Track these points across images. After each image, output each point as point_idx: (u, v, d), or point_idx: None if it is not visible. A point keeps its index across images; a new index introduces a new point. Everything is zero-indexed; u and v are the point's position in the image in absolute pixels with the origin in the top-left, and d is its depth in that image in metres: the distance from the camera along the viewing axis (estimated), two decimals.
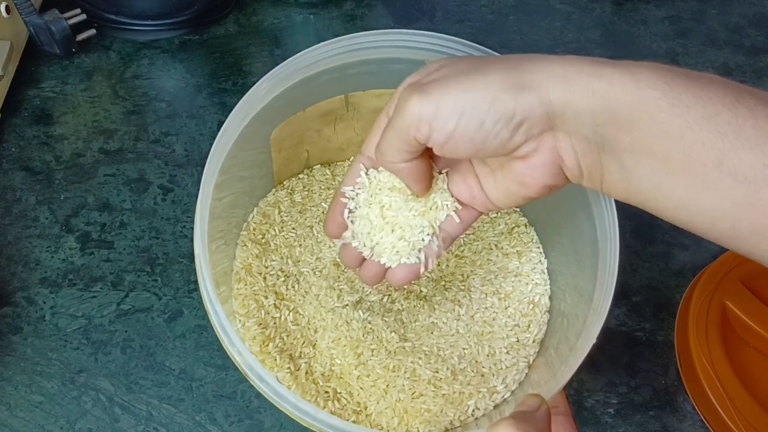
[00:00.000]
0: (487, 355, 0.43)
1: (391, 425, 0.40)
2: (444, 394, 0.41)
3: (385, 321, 0.43)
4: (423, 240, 0.35)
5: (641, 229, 0.54)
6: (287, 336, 0.43)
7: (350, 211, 0.36)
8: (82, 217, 0.53)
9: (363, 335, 0.42)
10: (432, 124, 0.27)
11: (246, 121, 0.39)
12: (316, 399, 0.40)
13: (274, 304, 0.44)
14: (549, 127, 0.27)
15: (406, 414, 0.40)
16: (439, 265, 0.47)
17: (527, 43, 0.66)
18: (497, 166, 0.31)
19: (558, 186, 0.30)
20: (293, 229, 0.47)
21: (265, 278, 0.45)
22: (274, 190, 0.49)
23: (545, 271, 0.47)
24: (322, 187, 0.50)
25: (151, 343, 0.47)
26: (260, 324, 0.43)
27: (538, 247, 0.47)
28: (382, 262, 0.35)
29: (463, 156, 0.29)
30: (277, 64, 0.39)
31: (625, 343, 0.49)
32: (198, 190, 0.36)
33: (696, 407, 0.46)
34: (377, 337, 0.43)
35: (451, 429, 0.40)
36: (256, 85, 0.39)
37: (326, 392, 0.41)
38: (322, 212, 0.48)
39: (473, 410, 0.41)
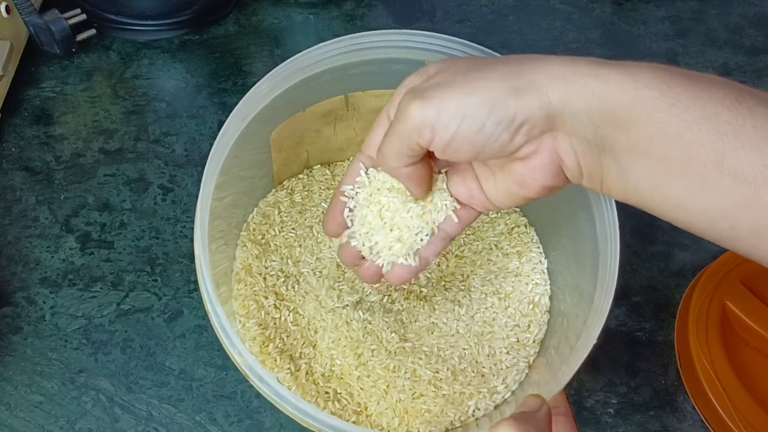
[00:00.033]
0: (488, 356, 0.43)
1: (391, 426, 0.40)
2: (444, 395, 0.41)
3: (386, 321, 0.43)
4: (421, 241, 0.35)
5: (641, 229, 0.54)
6: (287, 336, 0.43)
7: (350, 210, 0.36)
8: (82, 217, 0.53)
9: (363, 336, 0.42)
10: (434, 128, 0.27)
11: (246, 122, 0.39)
12: (316, 399, 0.40)
13: (274, 304, 0.44)
14: (549, 128, 0.27)
15: (407, 414, 0.40)
16: (439, 265, 0.47)
17: (527, 43, 0.66)
18: (497, 167, 0.31)
19: (558, 186, 0.30)
20: (293, 229, 0.47)
21: (265, 279, 0.45)
22: (274, 190, 0.49)
23: (545, 271, 0.47)
24: (322, 188, 0.50)
25: (151, 343, 0.47)
26: (260, 324, 0.43)
27: (538, 247, 0.47)
28: (378, 263, 0.36)
29: (465, 159, 0.29)
30: (277, 64, 0.39)
31: (625, 343, 0.49)
32: (198, 190, 0.36)
33: (696, 407, 0.46)
34: (377, 338, 0.43)
35: (452, 429, 0.40)
36: (256, 85, 0.39)
37: (326, 393, 0.41)
38: (322, 212, 0.48)
39: (474, 410, 0.41)
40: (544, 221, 0.47)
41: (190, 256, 0.51)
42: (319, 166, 0.51)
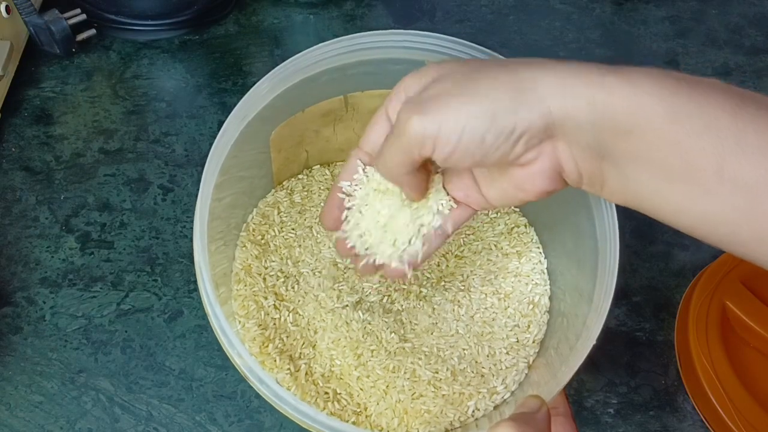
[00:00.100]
0: (487, 356, 0.43)
1: (391, 426, 0.40)
2: (444, 395, 0.41)
3: (385, 321, 0.43)
4: (415, 245, 0.35)
5: (641, 229, 0.54)
6: (287, 337, 0.43)
7: (347, 209, 0.36)
8: (82, 217, 0.53)
9: (363, 336, 0.42)
10: (435, 142, 0.27)
11: (246, 122, 0.39)
12: (316, 400, 0.40)
13: (274, 305, 0.44)
14: (548, 137, 0.27)
15: (406, 415, 0.40)
16: (438, 265, 0.47)
17: (527, 43, 0.66)
18: (496, 171, 0.31)
19: (557, 190, 0.30)
20: (293, 229, 0.47)
21: (264, 279, 0.45)
22: (273, 190, 0.49)
23: (545, 271, 0.47)
24: (322, 188, 0.50)
25: (151, 343, 0.47)
26: (260, 325, 0.43)
27: (538, 248, 0.47)
28: (371, 261, 0.36)
29: (465, 167, 0.29)
30: (277, 64, 0.39)
31: (625, 343, 0.49)
32: (198, 190, 0.36)
33: (696, 407, 0.46)
34: (377, 338, 0.43)
35: (451, 430, 0.40)
36: (256, 85, 0.39)
37: (326, 393, 0.41)
38: None
39: (473, 411, 0.41)
40: (544, 221, 0.47)
41: (190, 256, 0.51)
42: (318, 166, 0.51)
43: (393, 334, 0.43)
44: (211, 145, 0.37)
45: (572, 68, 0.26)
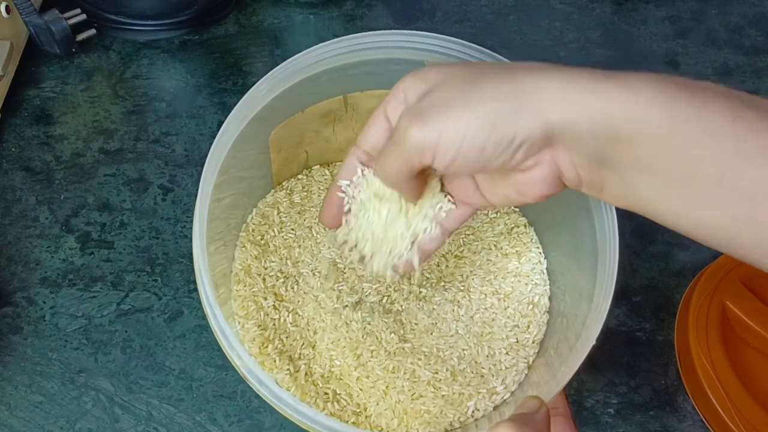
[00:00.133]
0: (487, 356, 0.43)
1: (390, 427, 0.40)
2: (444, 395, 0.41)
3: (385, 322, 0.43)
4: (410, 254, 0.36)
5: (641, 229, 0.54)
6: (286, 337, 0.43)
7: (347, 211, 0.36)
8: (82, 217, 0.53)
9: (362, 336, 0.42)
10: (435, 151, 0.28)
11: (245, 122, 0.39)
12: (315, 400, 0.40)
13: (274, 305, 0.44)
14: (548, 145, 0.27)
15: (406, 415, 0.40)
16: (438, 265, 0.47)
17: (527, 43, 0.66)
18: (497, 175, 0.32)
19: (556, 193, 0.30)
20: (292, 230, 0.47)
21: (264, 279, 0.45)
22: (273, 191, 0.49)
23: (545, 271, 0.46)
24: (321, 188, 0.50)
25: (151, 343, 0.47)
26: (259, 325, 0.43)
27: (538, 248, 0.47)
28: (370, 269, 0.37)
29: (466, 174, 0.29)
30: (277, 64, 0.39)
31: (625, 343, 0.49)
32: (198, 190, 0.36)
33: (696, 407, 0.46)
34: (377, 338, 0.43)
35: (451, 430, 0.40)
36: (255, 85, 0.39)
37: (326, 394, 0.41)
38: None
39: (473, 411, 0.41)
40: (544, 221, 0.47)
41: (190, 256, 0.51)
42: (318, 166, 0.51)
43: (393, 334, 0.43)
44: (211, 145, 0.37)
45: (572, 76, 0.26)
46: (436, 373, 0.41)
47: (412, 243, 0.36)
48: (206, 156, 0.37)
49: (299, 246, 0.47)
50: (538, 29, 0.67)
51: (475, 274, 0.46)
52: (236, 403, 0.45)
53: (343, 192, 0.36)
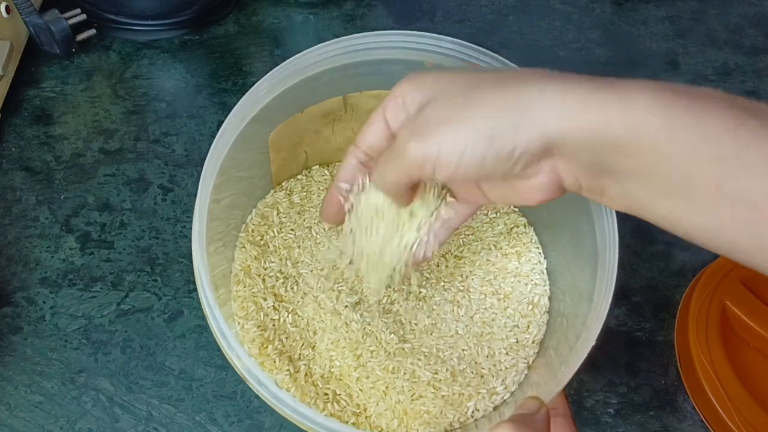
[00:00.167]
0: (487, 356, 0.43)
1: (390, 427, 0.40)
2: (443, 396, 0.41)
3: (385, 322, 0.43)
4: (403, 269, 0.36)
5: (641, 229, 0.54)
6: (286, 338, 0.43)
7: (347, 212, 0.37)
8: (82, 217, 0.53)
9: (362, 337, 0.42)
10: (435, 165, 0.28)
11: (245, 122, 0.39)
12: (315, 401, 0.40)
13: (273, 306, 0.44)
14: (548, 155, 0.27)
15: (406, 416, 0.40)
16: (438, 265, 0.47)
17: (527, 43, 0.66)
18: (498, 180, 0.32)
19: (557, 197, 0.30)
20: (292, 230, 0.47)
21: (264, 280, 0.45)
22: (272, 191, 0.49)
23: (545, 271, 0.46)
24: (321, 188, 0.50)
25: (151, 343, 0.47)
26: (259, 326, 0.43)
27: (538, 248, 0.47)
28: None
29: (467, 184, 0.29)
30: (277, 64, 0.39)
31: (625, 343, 0.49)
32: (197, 190, 0.36)
33: (696, 407, 0.46)
34: (376, 339, 0.43)
35: (451, 430, 0.40)
36: (255, 85, 0.39)
37: (326, 394, 0.41)
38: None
39: (473, 411, 0.41)
40: (544, 221, 0.47)
41: (190, 256, 0.50)
42: (317, 166, 0.51)
43: (392, 334, 0.43)
44: (210, 145, 0.37)
45: (570, 86, 0.26)
46: (436, 373, 0.41)
47: (406, 263, 0.36)
48: (206, 156, 0.37)
49: (299, 246, 0.47)
50: (538, 29, 0.67)
51: (474, 275, 0.46)
52: (236, 403, 0.45)
53: (343, 196, 0.36)
